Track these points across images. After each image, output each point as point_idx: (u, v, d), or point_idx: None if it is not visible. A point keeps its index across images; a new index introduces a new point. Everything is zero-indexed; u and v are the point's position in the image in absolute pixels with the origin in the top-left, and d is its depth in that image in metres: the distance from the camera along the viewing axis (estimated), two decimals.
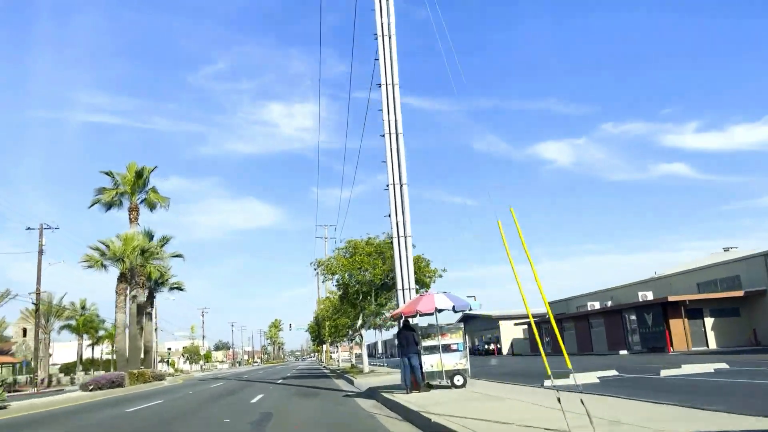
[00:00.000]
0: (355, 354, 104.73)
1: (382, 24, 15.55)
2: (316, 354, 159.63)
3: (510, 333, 61.99)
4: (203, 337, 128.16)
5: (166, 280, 41.95)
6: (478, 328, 67.95)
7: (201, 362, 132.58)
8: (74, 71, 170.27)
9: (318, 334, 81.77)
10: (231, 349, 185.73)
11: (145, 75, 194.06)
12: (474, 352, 65.02)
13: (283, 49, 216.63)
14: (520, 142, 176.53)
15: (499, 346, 61.46)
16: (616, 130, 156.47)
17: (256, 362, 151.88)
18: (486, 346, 61.01)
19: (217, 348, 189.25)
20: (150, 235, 36.91)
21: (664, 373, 16.18)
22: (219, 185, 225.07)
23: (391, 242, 25.80)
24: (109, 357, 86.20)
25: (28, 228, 38.31)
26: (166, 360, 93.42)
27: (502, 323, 62.49)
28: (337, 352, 75.90)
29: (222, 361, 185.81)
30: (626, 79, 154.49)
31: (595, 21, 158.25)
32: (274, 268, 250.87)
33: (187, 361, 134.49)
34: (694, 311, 37.91)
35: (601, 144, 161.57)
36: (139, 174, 34.63)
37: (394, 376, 23.17)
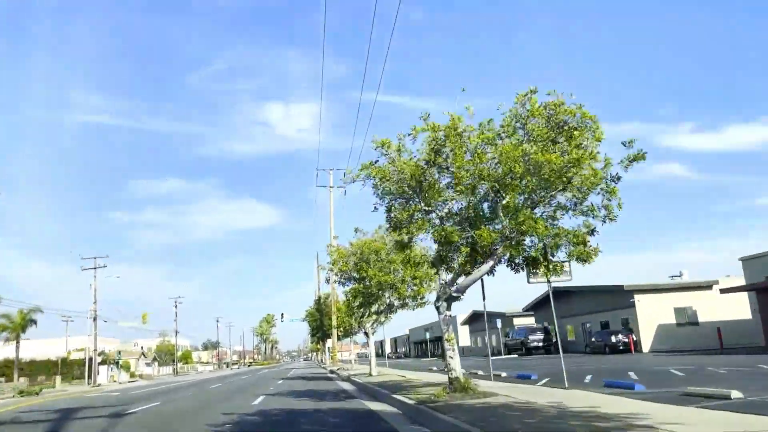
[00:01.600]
0: (357, 354, 79.19)
1: None
2: (315, 354, 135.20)
3: (653, 316, 36.22)
4: (176, 332, 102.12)
5: None
6: (586, 308, 42.09)
7: (175, 364, 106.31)
8: (72, 72, 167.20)
9: (320, 324, 56.52)
10: (217, 349, 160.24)
11: (143, 76, 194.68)
12: (586, 349, 39.32)
13: (281, 50, 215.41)
14: None
15: (635, 337, 35.55)
16: (611, 131, 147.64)
17: (235, 365, 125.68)
18: (612, 339, 35.13)
19: (206, 348, 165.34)
20: None
21: None
22: (217, 186, 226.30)
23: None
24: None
25: None
26: (115, 361, 67.65)
27: (639, 298, 36.62)
28: (365, 347, 52.04)
29: (207, 362, 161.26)
30: (622, 80, 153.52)
31: (591, 23, 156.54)
32: (272, 269, 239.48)
33: (155, 363, 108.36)
34: None
35: None
36: None
37: None
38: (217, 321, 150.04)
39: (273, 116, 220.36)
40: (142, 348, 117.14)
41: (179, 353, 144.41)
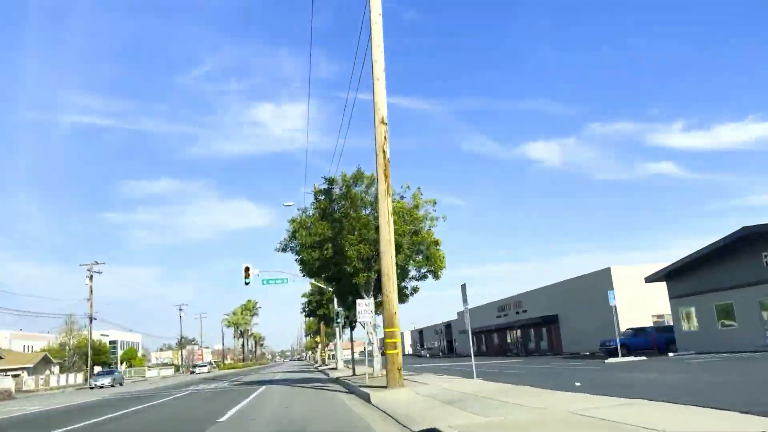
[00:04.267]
0: (360, 352, 48.08)
1: None
2: (311, 353, 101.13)
3: None
4: (91, 319, 63.64)
5: None
6: None
7: (88, 370, 66.57)
8: (64, 73, 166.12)
9: (333, 254, 17.73)
10: (181, 349, 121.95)
11: (135, 76, 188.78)
12: None
13: (273, 49, 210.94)
14: (509, 142, 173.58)
15: None
16: (604, 130, 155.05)
17: (163, 368, 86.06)
18: None
19: (182, 346, 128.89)
20: None
21: None
22: (210, 186, 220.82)
23: None
24: None
25: None
26: None
27: None
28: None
29: (166, 365, 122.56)
30: (613, 79, 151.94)
31: (584, 22, 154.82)
32: (266, 269, 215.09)
33: (52, 367, 69.44)
34: None
35: (589, 143, 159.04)
36: None
37: None
38: (180, 309, 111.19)
39: (266, 116, 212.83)
40: (44, 344, 78.63)
41: (120, 352, 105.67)
